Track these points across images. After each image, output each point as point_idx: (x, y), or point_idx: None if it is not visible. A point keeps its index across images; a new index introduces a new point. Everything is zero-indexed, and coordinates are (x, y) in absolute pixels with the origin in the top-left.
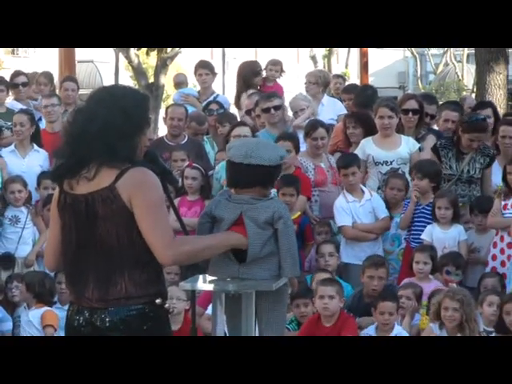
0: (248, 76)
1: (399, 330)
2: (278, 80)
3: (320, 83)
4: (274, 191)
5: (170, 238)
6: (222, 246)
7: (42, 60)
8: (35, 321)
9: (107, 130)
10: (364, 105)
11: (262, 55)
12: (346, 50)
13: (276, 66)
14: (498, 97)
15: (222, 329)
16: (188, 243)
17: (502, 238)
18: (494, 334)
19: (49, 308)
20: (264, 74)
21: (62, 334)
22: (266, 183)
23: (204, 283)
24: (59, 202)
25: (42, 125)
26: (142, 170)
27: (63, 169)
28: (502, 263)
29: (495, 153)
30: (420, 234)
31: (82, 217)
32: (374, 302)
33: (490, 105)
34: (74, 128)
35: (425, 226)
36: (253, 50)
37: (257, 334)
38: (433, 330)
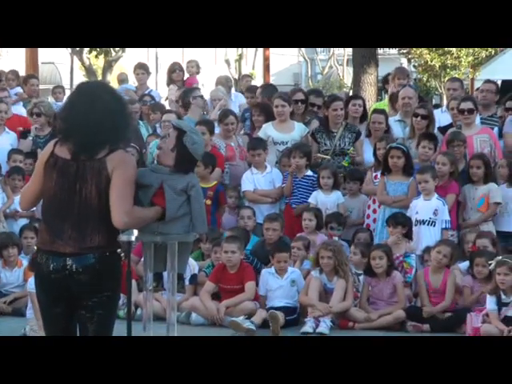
0: (168, 73)
1: (292, 269)
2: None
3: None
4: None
5: (130, 206)
6: (153, 219)
7: (12, 61)
8: (20, 278)
9: (124, 119)
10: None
11: (188, 57)
12: (253, 54)
13: (191, 64)
14: (370, 92)
15: (151, 271)
16: (139, 215)
17: (374, 201)
18: (362, 276)
19: (23, 266)
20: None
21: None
22: (190, 171)
23: (137, 236)
24: (48, 163)
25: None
26: (127, 151)
27: (79, 147)
28: (374, 220)
29: (359, 130)
30: (299, 199)
31: (70, 177)
32: (271, 252)
33: (361, 97)
34: (94, 115)
35: (302, 194)
36: (180, 54)
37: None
38: (313, 275)
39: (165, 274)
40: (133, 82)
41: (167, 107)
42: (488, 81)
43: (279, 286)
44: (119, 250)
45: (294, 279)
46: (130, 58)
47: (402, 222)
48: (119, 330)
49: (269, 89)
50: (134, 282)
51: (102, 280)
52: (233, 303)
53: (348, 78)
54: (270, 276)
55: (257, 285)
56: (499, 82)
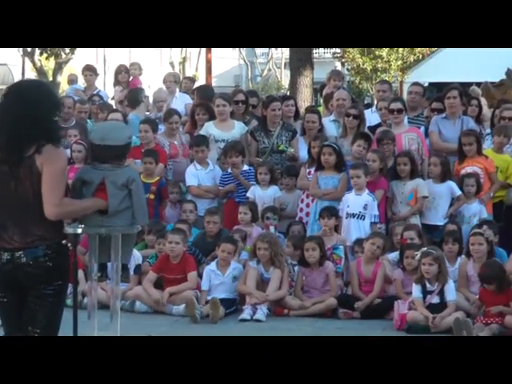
0: (115, 75)
1: (235, 265)
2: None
3: (176, 82)
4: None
5: (59, 199)
6: (91, 209)
7: None
8: None
9: (44, 116)
10: (206, 98)
11: (134, 59)
12: (196, 57)
13: (133, 66)
14: (305, 94)
15: (96, 261)
16: (70, 205)
17: (307, 196)
18: (297, 267)
19: None
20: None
21: None
22: (120, 157)
23: (83, 228)
24: None
25: None
26: (56, 146)
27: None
28: (307, 214)
29: (295, 128)
30: (239, 193)
31: (5, 176)
32: (218, 243)
33: (292, 97)
34: (19, 112)
35: (241, 188)
36: (127, 56)
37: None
38: (251, 265)
39: (109, 264)
40: (82, 82)
41: (114, 107)
42: (416, 83)
43: (221, 282)
44: (64, 242)
45: (236, 275)
46: (79, 59)
47: (335, 213)
48: (66, 317)
49: (207, 90)
50: (81, 272)
51: (51, 271)
52: (176, 290)
53: (285, 80)
54: (212, 274)
55: (198, 275)
56: (426, 85)
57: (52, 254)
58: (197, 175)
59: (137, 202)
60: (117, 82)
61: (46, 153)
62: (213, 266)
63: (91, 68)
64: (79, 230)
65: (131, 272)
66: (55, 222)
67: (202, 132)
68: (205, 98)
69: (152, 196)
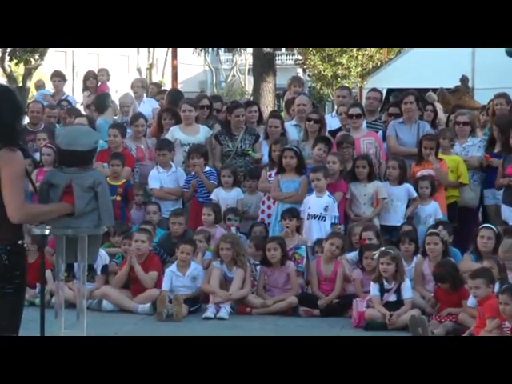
0: (84, 81)
1: (195, 266)
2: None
3: (144, 87)
4: None
5: (21, 202)
6: (57, 213)
7: None
8: None
9: (9, 120)
10: (175, 102)
11: (102, 66)
12: (162, 63)
13: (101, 72)
14: (268, 99)
15: (63, 262)
16: (33, 209)
17: (268, 198)
18: (259, 266)
19: None
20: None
21: None
22: (86, 162)
23: (50, 229)
24: None
25: None
26: (12, 149)
27: None
28: (269, 216)
29: (258, 133)
30: (202, 194)
31: None
32: (177, 245)
33: (255, 103)
34: None
35: (204, 189)
36: (95, 63)
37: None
38: (214, 265)
39: (76, 264)
40: (51, 88)
41: (82, 111)
42: (374, 89)
43: (181, 282)
44: (20, 242)
45: (195, 276)
46: (48, 65)
47: (296, 215)
48: (33, 316)
49: (177, 94)
50: (49, 272)
51: (8, 269)
52: (139, 272)
53: (249, 86)
54: (173, 275)
55: (163, 273)
56: (384, 91)
57: (8, 253)
58: (159, 178)
59: (103, 204)
60: (85, 88)
61: (2, 157)
62: (173, 267)
63: (59, 74)
64: (47, 231)
65: (98, 272)
66: (12, 224)
67: (168, 136)
68: (174, 102)
69: (119, 198)
